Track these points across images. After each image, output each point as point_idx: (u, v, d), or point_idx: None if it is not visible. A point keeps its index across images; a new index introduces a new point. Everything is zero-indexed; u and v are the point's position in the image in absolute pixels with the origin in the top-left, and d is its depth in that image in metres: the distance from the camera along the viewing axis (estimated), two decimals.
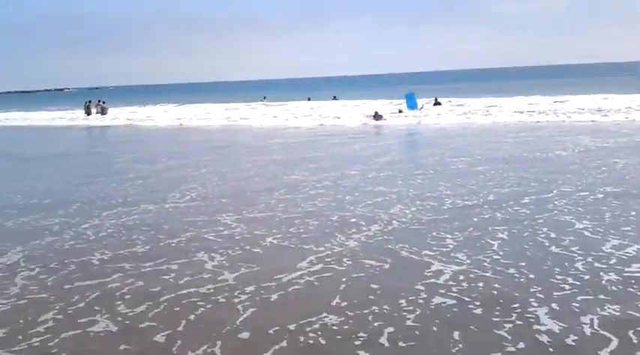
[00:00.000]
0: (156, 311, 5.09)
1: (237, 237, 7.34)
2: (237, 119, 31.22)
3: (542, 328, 4.40)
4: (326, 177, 11.52)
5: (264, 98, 45.48)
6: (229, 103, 41.74)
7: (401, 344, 4.31)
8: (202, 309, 5.08)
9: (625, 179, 10.02)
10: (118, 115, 38.59)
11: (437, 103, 31.30)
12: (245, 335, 4.55)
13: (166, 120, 33.43)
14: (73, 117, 40.01)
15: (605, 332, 4.28)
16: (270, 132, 24.30)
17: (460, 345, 4.22)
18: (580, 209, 8.01)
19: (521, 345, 4.16)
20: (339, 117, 28.19)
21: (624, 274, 5.43)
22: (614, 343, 4.12)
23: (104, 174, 13.71)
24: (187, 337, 4.55)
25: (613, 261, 5.81)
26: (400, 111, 28.36)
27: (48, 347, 4.52)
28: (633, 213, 7.68)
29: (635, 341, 4.13)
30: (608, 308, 4.70)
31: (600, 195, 8.77)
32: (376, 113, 26.82)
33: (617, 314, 4.59)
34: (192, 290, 5.53)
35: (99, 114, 39.48)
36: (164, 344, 4.46)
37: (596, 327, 4.38)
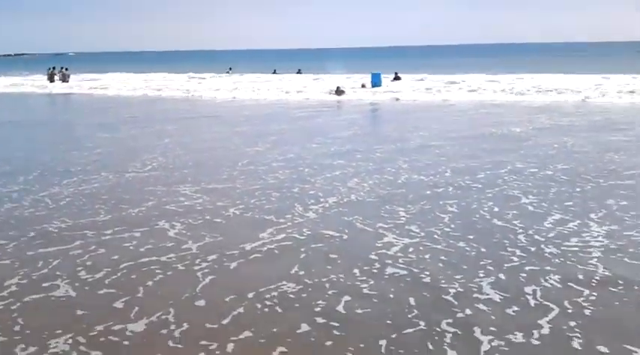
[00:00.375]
0: (115, 277, 5.17)
1: (198, 208, 7.41)
2: (201, 90, 30.65)
3: (484, 297, 4.68)
4: (287, 150, 11.62)
5: (230, 69, 44.87)
6: (194, 73, 41.06)
7: (358, 310, 4.50)
8: (162, 276, 5.19)
9: (574, 157, 10.43)
10: (80, 83, 37.57)
11: (397, 78, 31.41)
12: (202, 302, 4.68)
13: (129, 89, 32.67)
14: (33, 83, 38.58)
15: (545, 302, 4.58)
16: (233, 103, 24.17)
17: (414, 311, 4.46)
18: (529, 184, 8.36)
19: (468, 312, 4.42)
20: (301, 91, 27.92)
21: (562, 248, 5.76)
22: (554, 312, 4.40)
23: (64, 141, 13.51)
24: (145, 303, 4.66)
25: (552, 235, 6.14)
26: (363, 86, 28.46)
27: (11, 310, 4.57)
28: (578, 189, 8.06)
29: (570, 310, 4.42)
30: (550, 279, 5.01)
31: (549, 172, 9.14)
32: (338, 88, 26.75)
33: (558, 285, 4.89)
34: (153, 258, 5.61)
35: (60, 81, 38.48)
36: (121, 310, 4.56)
37: (538, 298, 4.66)
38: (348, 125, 15.95)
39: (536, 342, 3.94)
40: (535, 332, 4.07)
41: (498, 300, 4.59)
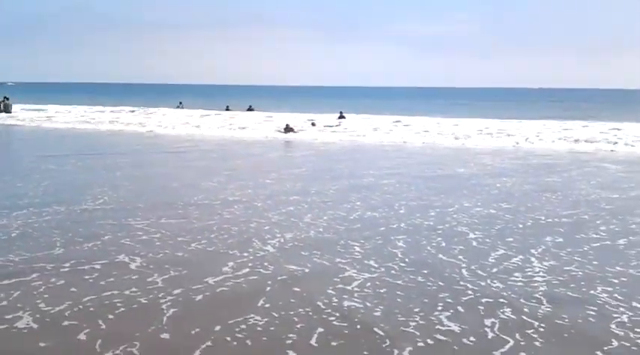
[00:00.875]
0: (77, 310, 5.09)
1: (157, 243, 7.36)
2: (150, 124, 30.24)
3: (444, 328, 4.91)
4: (241, 186, 11.70)
5: (180, 104, 44.54)
6: (143, 107, 40.59)
7: (332, 343, 4.61)
8: (125, 310, 5.14)
9: (514, 196, 10.99)
10: (24, 114, 36.47)
11: (341, 117, 32.09)
12: (167, 335, 4.67)
13: (76, 121, 32.06)
14: None
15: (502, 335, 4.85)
16: (183, 138, 24.04)
17: (386, 341, 4.62)
18: (475, 221, 8.78)
19: (429, 342, 4.62)
20: (251, 128, 28.06)
21: (509, 282, 6.09)
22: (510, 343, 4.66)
23: (10, 173, 13.10)
24: (110, 336, 4.61)
25: (497, 270, 6.49)
26: (313, 125, 28.97)
27: None
28: (520, 225, 8.53)
29: (523, 342, 4.70)
30: (502, 312, 5.30)
31: (493, 211, 9.61)
32: (287, 126, 26.97)
33: (512, 317, 5.19)
34: (115, 291, 5.55)
35: (2, 113, 37.22)
36: (86, 342, 4.51)
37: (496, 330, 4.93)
38: (301, 162, 16.23)
39: None
40: None
41: (458, 331, 4.83)
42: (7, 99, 38.97)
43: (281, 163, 16.15)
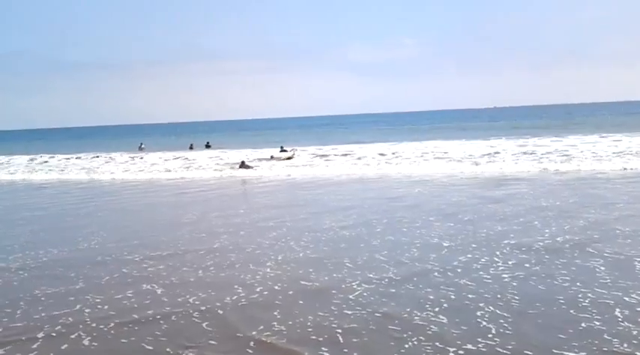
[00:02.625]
0: (126, 329, 5.63)
1: (163, 273, 7.94)
2: (114, 171, 27.99)
3: (439, 320, 5.71)
4: (221, 219, 12.31)
5: (142, 145, 44.32)
6: (101, 152, 39.66)
7: (352, 340, 5.33)
8: (165, 324, 5.72)
9: (475, 208, 12.00)
10: None
11: (283, 150, 31.84)
12: (213, 342, 5.29)
13: (23, 171, 30.14)
14: None
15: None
16: (139, 184, 22.48)
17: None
18: (442, 233, 9.68)
19: (435, 328, 5.40)
20: (202, 167, 27.30)
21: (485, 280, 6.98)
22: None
23: None
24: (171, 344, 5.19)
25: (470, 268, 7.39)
26: (272, 157, 29.59)
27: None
28: (483, 232, 9.49)
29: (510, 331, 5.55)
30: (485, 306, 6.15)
31: (459, 224, 10.55)
32: (243, 162, 26.51)
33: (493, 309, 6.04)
34: (166, 308, 6.12)
35: None
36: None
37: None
38: (265, 195, 16.92)
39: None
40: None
41: (445, 322, 5.63)
42: None
43: (247, 199, 16.80)
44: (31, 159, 35.64)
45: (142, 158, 32.22)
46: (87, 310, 6.37)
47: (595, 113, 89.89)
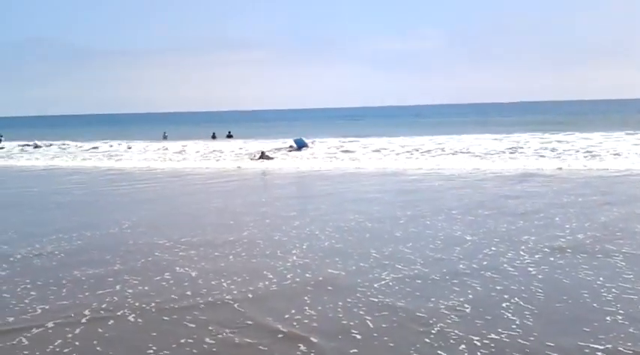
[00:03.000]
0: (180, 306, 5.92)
1: (195, 257, 8.22)
2: (136, 159, 28.76)
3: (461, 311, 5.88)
4: (246, 209, 12.57)
5: (165, 134, 44.77)
6: (129, 140, 39.96)
7: (381, 325, 5.54)
8: (204, 305, 5.99)
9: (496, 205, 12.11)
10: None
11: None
12: (250, 321, 5.53)
13: (66, 157, 31.18)
14: None
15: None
16: (172, 174, 22.11)
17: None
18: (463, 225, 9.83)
19: (454, 318, 5.58)
20: (224, 157, 27.73)
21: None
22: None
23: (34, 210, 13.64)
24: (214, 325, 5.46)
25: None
26: (291, 147, 29.65)
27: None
28: (503, 224, 9.61)
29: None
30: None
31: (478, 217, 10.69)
32: (263, 153, 26.76)
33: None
34: (202, 290, 6.41)
35: None
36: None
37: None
38: (286, 186, 17.15)
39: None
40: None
41: (469, 311, 5.81)
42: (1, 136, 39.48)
43: (269, 189, 17.09)
44: (63, 146, 36.31)
45: (166, 149, 32.52)
46: (128, 290, 6.67)
47: (623, 110, 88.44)
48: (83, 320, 5.76)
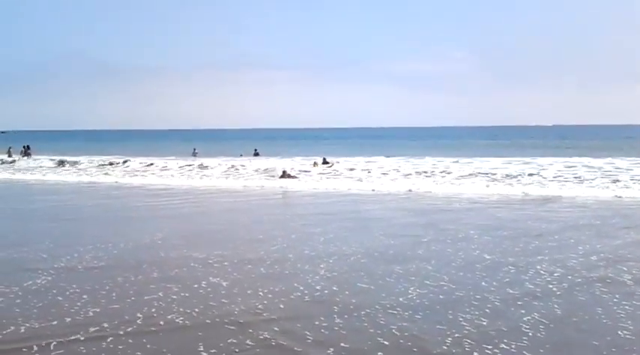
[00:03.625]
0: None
1: (229, 268, 8.74)
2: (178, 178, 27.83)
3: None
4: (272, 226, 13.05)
5: (195, 151, 45.59)
6: (157, 156, 40.44)
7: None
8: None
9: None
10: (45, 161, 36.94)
11: (325, 162, 31.00)
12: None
13: (102, 174, 30.36)
14: None
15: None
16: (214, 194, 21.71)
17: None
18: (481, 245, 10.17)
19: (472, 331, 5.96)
20: (249, 176, 27.64)
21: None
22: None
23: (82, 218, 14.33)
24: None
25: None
26: (315, 165, 29.81)
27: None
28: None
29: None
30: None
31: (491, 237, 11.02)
32: (284, 172, 26.27)
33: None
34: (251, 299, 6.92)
35: (25, 158, 38.73)
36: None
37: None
38: (309, 204, 17.64)
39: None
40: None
41: (485, 324, 6.18)
42: (29, 147, 40.67)
43: (293, 206, 17.64)
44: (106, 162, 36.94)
45: (199, 165, 32.86)
46: (172, 296, 7.21)
47: None
48: (138, 321, 6.32)
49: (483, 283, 7.78)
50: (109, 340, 5.76)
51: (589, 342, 5.70)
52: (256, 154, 42.53)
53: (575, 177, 23.41)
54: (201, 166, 32.32)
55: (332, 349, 5.53)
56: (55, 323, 6.25)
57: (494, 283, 7.76)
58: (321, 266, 8.81)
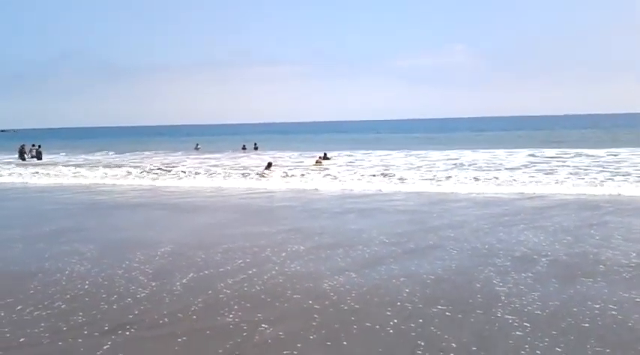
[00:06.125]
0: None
1: (252, 271, 8.65)
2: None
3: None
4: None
5: (198, 145, 45.73)
6: (164, 150, 41.01)
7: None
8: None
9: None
10: (54, 161, 36.29)
11: (325, 157, 30.97)
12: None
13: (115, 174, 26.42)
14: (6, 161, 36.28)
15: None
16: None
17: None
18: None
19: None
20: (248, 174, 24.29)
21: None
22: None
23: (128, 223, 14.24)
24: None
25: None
26: (317, 162, 29.27)
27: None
28: None
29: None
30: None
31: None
32: (269, 164, 26.00)
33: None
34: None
35: (34, 159, 38.34)
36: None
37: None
38: (322, 206, 17.45)
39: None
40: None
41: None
42: (39, 147, 40.41)
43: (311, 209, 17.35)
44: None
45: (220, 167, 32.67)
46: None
47: None
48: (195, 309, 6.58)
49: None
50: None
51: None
52: (255, 148, 42.99)
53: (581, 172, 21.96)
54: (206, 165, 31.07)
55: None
56: None
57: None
58: (346, 272, 8.66)
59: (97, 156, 42.68)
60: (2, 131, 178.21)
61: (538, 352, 5.36)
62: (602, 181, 18.87)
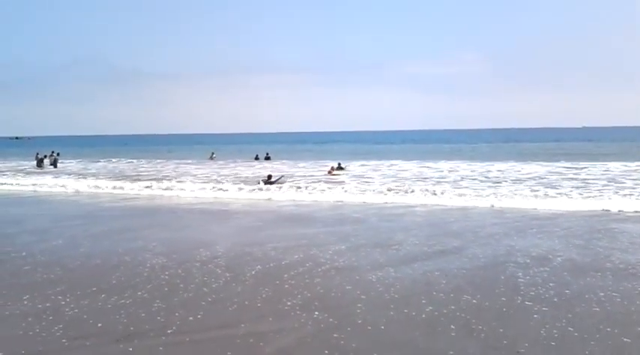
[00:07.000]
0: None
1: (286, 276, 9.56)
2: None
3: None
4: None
5: (213, 154, 46.35)
6: (176, 160, 40.85)
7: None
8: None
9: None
10: (70, 170, 36.19)
11: (340, 168, 30.73)
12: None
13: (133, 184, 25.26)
14: (24, 169, 36.40)
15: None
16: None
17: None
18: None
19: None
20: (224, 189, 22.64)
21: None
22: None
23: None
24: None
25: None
26: (329, 172, 29.18)
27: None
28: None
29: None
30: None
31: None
32: (269, 177, 24.68)
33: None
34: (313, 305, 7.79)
35: (51, 167, 38.35)
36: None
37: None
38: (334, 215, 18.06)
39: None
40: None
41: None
42: (58, 154, 40.90)
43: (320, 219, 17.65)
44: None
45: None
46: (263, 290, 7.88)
47: None
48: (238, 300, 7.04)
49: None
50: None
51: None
52: (267, 158, 43.41)
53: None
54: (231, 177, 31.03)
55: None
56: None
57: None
58: (368, 278, 9.55)
59: (116, 163, 43.18)
60: (17, 138, 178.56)
61: (555, 331, 6.24)
62: None
